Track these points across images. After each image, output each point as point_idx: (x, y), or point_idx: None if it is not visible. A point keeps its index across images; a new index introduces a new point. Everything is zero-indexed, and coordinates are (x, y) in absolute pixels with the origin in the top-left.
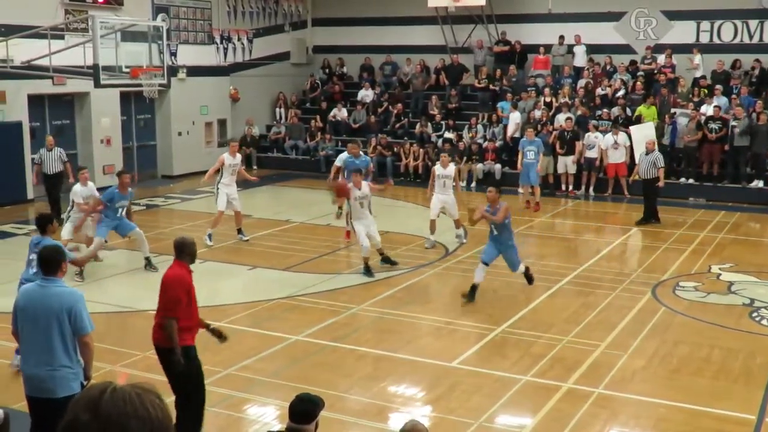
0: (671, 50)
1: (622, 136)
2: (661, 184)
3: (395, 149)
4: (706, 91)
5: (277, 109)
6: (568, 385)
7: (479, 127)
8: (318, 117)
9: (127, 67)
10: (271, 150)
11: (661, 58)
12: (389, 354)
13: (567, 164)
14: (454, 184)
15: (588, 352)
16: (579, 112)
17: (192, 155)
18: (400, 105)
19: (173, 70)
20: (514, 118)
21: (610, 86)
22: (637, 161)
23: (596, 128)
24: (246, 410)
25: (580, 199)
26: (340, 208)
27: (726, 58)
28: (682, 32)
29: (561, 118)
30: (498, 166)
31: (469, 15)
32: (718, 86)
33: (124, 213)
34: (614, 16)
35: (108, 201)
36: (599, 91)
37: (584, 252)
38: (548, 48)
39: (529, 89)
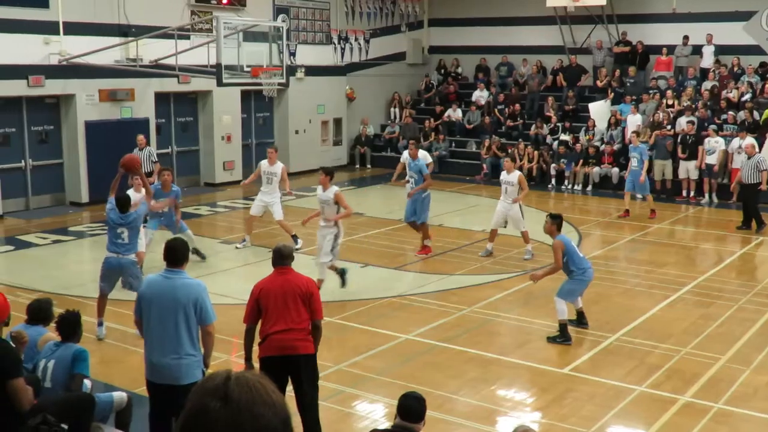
0: None
1: (748, 141)
2: (763, 187)
3: (509, 150)
4: None
5: (392, 109)
6: (686, 399)
7: (595, 130)
8: (432, 117)
9: (248, 66)
10: (385, 149)
11: None
12: (499, 357)
13: (689, 169)
14: (520, 192)
15: (707, 365)
16: (698, 115)
17: (308, 153)
18: (517, 105)
19: (292, 70)
20: (634, 121)
21: (737, 89)
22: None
23: (716, 132)
24: (355, 406)
25: (703, 206)
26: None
27: None
28: None
29: (683, 122)
30: (615, 170)
31: (588, 15)
32: None
33: (175, 211)
34: (743, 16)
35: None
36: (725, 93)
37: (705, 261)
38: (671, 49)
39: (650, 91)
